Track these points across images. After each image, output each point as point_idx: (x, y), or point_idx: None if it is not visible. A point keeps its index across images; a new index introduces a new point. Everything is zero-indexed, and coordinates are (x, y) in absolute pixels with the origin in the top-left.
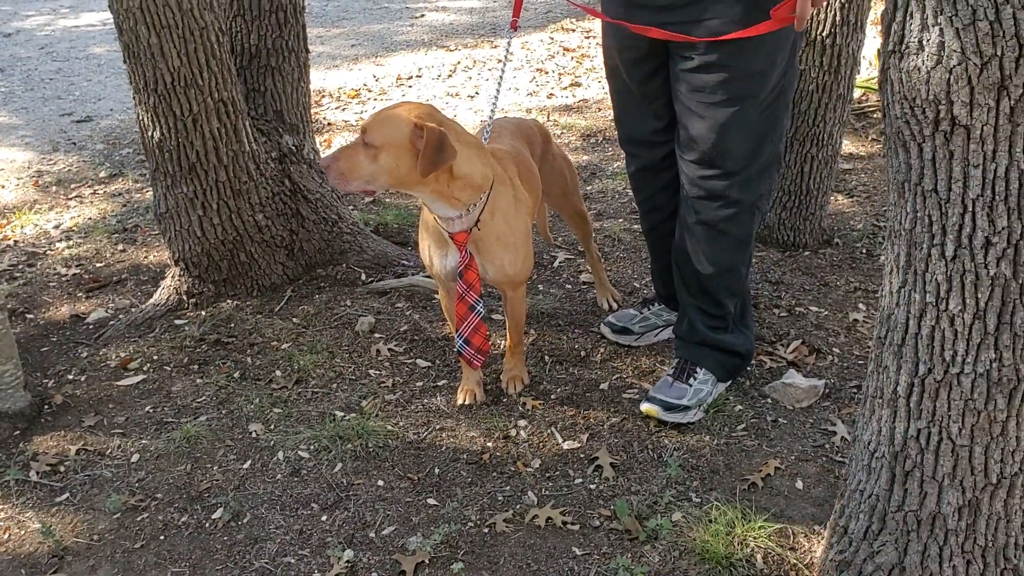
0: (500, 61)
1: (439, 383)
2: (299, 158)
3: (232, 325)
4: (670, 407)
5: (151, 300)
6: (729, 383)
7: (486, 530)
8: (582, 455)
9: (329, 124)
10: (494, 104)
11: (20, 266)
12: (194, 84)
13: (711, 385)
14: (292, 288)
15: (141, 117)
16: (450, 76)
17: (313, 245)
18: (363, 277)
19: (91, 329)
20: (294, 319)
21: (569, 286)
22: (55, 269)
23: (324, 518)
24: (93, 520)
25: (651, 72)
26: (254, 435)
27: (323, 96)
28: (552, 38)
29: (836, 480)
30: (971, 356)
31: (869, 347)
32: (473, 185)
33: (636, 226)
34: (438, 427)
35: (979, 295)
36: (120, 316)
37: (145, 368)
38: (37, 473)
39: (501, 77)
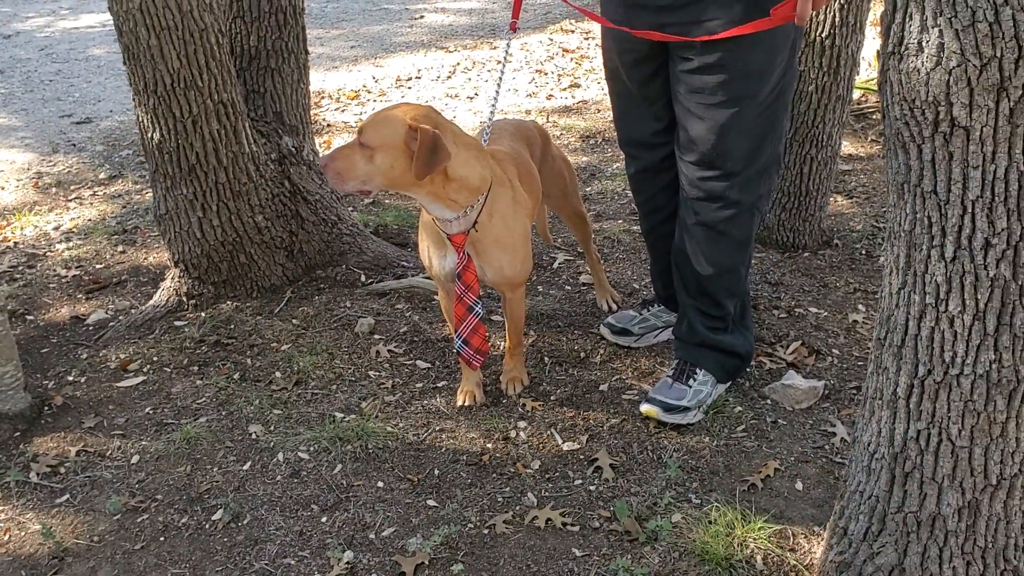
0: (499, 62)
1: (439, 384)
2: (299, 159)
3: (232, 326)
4: (670, 408)
5: (151, 301)
6: (729, 384)
7: (486, 531)
8: (582, 456)
9: (329, 125)
10: (493, 105)
11: (20, 267)
12: (194, 86)
13: (711, 386)
14: (292, 289)
15: (141, 119)
16: (449, 77)
17: (313, 246)
18: (363, 278)
19: (91, 330)
20: (294, 320)
21: (568, 287)
22: (55, 270)
23: (324, 519)
24: (93, 521)
25: (651, 74)
26: (254, 436)
27: (322, 97)
28: (551, 39)
29: (836, 481)
30: (971, 357)
31: (869, 348)
32: (469, 187)
33: (635, 227)
34: (438, 428)
35: (979, 296)
36: (120, 317)
37: (145, 369)
38: (37, 474)
39: (500, 78)
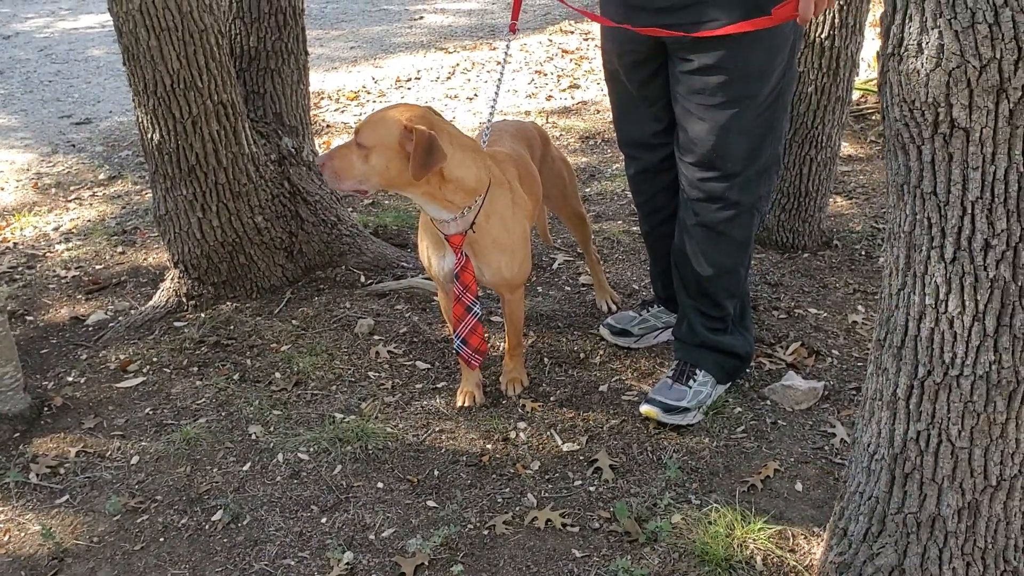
0: (499, 63)
1: (438, 385)
2: (298, 160)
3: (231, 327)
4: (669, 409)
5: (150, 302)
6: (728, 385)
7: (486, 532)
8: (581, 457)
9: (328, 126)
10: (492, 106)
11: (20, 268)
12: (193, 86)
13: (710, 387)
14: (291, 290)
15: (140, 119)
16: (449, 78)
17: (312, 247)
18: (362, 279)
19: (91, 331)
20: (293, 321)
21: (568, 288)
22: (55, 271)
23: (324, 520)
24: (93, 522)
25: (650, 75)
26: (254, 437)
27: (322, 98)
28: (551, 40)
29: (835, 482)
30: (970, 358)
31: (868, 349)
32: (466, 188)
33: (635, 228)
34: (437, 429)
35: (978, 297)
36: (119, 318)
37: (145, 370)
38: (37, 475)
39: (500, 79)
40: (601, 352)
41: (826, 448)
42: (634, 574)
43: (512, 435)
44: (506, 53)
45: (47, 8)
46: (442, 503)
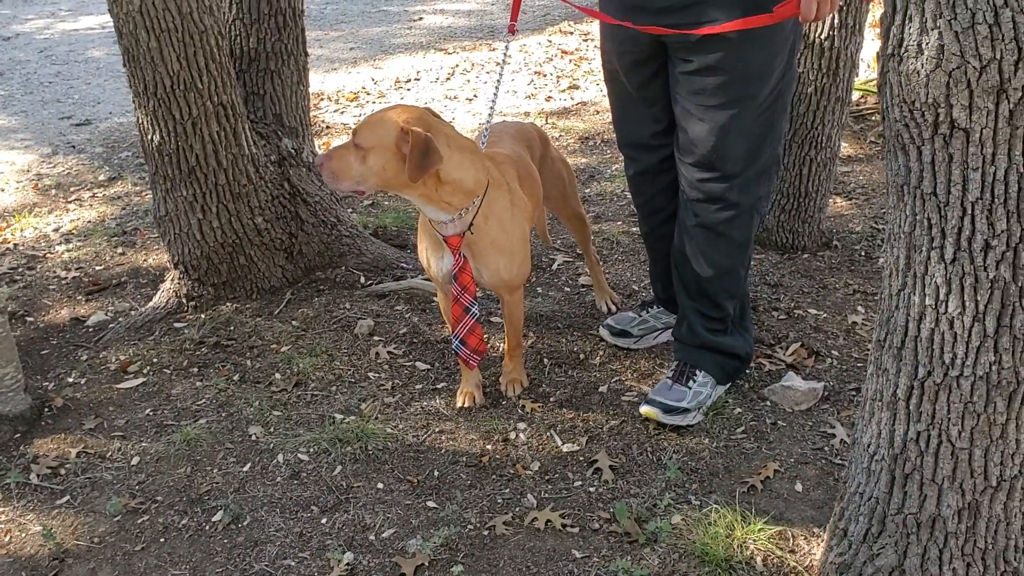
0: (498, 64)
1: (438, 386)
2: (298, 161)
3: (231, 328)
4: (669, 409)
5: (151, 303)
6: (728, 385)
7: (486, 532)
8: (581, 458)
9: (328, 127)
10: (491, 107)
11: (20, 269)
12: (193, 88)
13: (710, 387)
14: (291, 291)
15: (140, 120)
16: (448, 79)
17: (312, 248)
18: (362, 280)
19: (91, 332)
20: (293, 322)
21: (568, 289)
22: (55, 272)
23: (324, 521)
24: (94, 523)
25: (650, 75)
26: (254, 438)
27: (322, 99)
28: (550, 41)
29: (835, 483)
30: (971, 359)
31: (868, 349)
32: (464, 190)
33: (635, 229)
34: (437, 430)
35: (978, 298)
36: (120, 319)
37: (145, 371)
38: (37, 476)
39: (499, 80)
40: (601, 353)
41: (826, 449)
42: (634, 575)
43: (512, 436)
44: (505, 54)
45: (47, 9)
46: (442, 504)
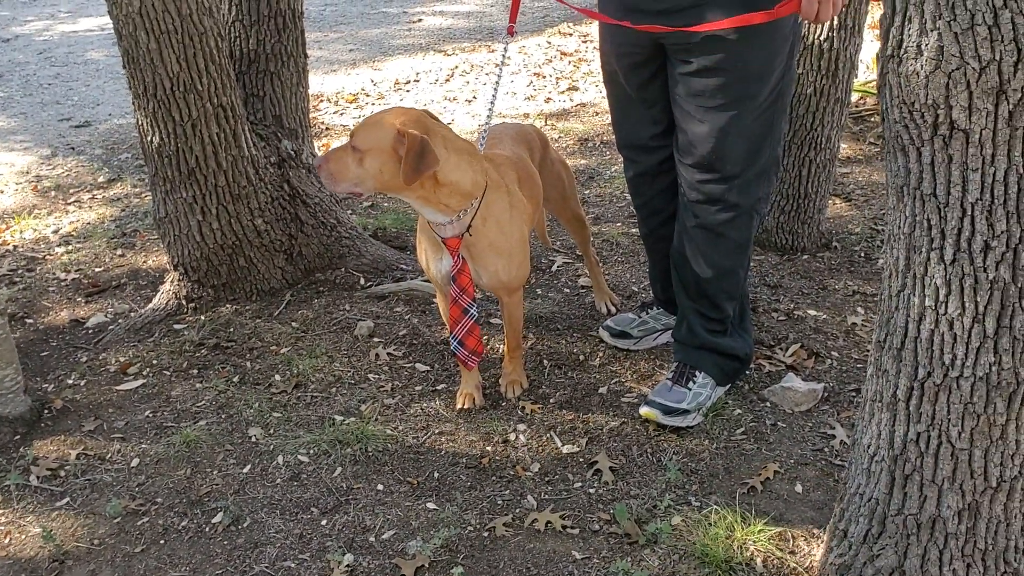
0: (497, 65)
1: (438, 387)
2: (298, 163)
3: (231, 329)
4: (669, 411)
5: (150, 305)
6: (728, 387)
7: (486, 534)
8: (581, 459)
9: (327, 128)
10: (490, 109)
11: (20, 271)
12: (193, 89)
13: (710, 389)
14: (291, 292)
15: (140, 122)
16: (447, 80)
17: (312, 249)
18: (362, 281)
19: (90, 334)
20: (293, 323)
21: (567, 290)
22: (54, 274)
23: (324, 522)
24: (93, 524)
25: (649, 77)
26: (254, 439)
27: (321, 100)
28: (549, 42)
29: (835, 484)
30: (970, 360)
31: (868, 350)
32: (461, 192)
33: (634, 230)
34: (437, 431)
35: (978, 299)
36: (119, 321)
37: (145, 372)
38: (37, 477)
39: (498, 82)
40: (600, 354)
41: (826, 450)
42: None
43: (512, 437)
44: (504, 55)
45: (46, 11)
46: (442, 505)
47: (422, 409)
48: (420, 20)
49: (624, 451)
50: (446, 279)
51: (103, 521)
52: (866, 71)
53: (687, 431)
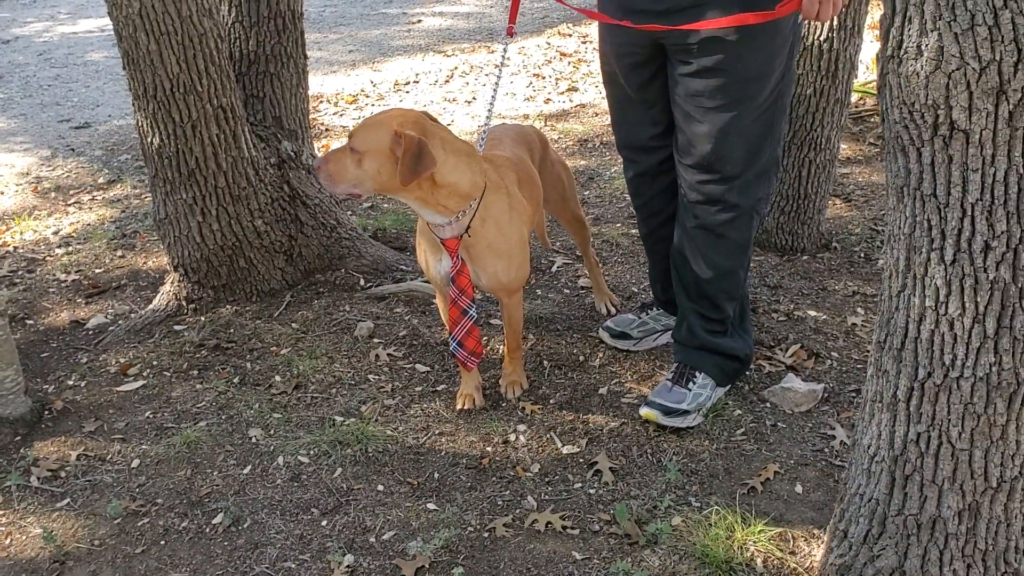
0: (497, 66)
1: (438, 388)
2: (298, 164)
3: (231, 330)
4: (669, 411)
5: (150, 306)
6: (728, 387)
7: (486, 534)
8: (581, 460)
9: (327, 129)
10: (490, 110)
11: (20, 272)
12: (193, 90)
13: (710, 389)
14: (291, 293)
15: (140, 123)
16: (447, 81)
17: (312, 250)
18: (362, 282)
19: (91, 335)
20: (293, 324)
21: (567, 291)
22: (54, 275)
23: (324, 523)
24: (94, 525)
25: (649, 77)
26: (254, 440)
27: (321, 101)
28: (549, 43)
29: (835, 484)
30: (971, 360)
31: (868, 351)
32: (459, 193)
33: (634, 231)
34: (437, 432)
35: (978, 299)
36: (120, 322)
37: (145, 373)
38: (38, 478)
39: (498, 83)
40: (600, 355)
41: (826, 450)
42: None
43: (512, 438)
44: (504, 56)
45: (46, 12)
46: (442, 506)
47: (422, 410)
48: (420, 21)
49: (624, 452)
50: (446, 280)
51: (104, 522)
52: (866, 72)
53: (687, 432)
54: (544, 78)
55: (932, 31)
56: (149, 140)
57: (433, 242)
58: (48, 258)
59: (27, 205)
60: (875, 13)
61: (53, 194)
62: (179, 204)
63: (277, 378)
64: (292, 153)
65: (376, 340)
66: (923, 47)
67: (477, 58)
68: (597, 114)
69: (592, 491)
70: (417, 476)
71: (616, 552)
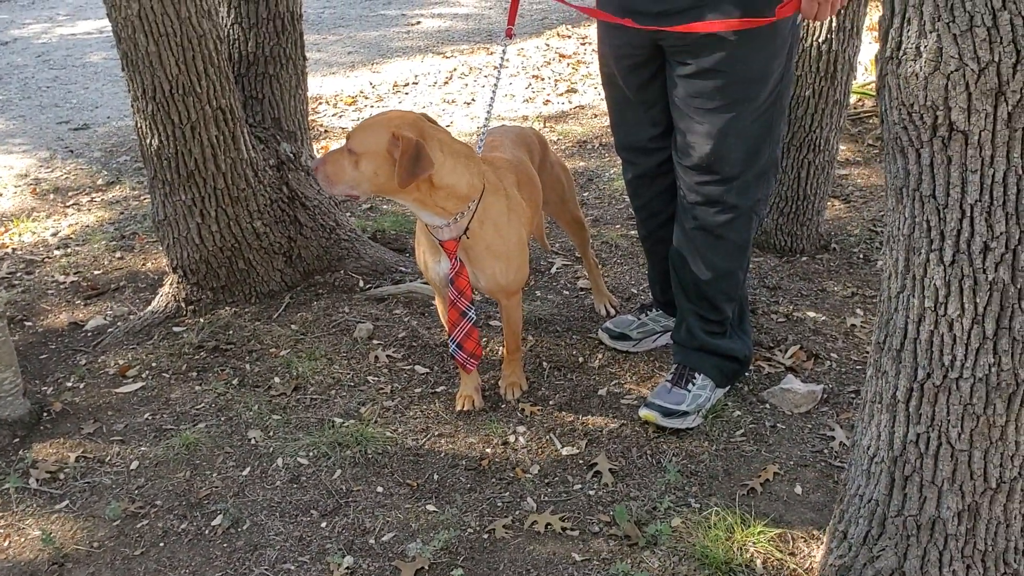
0: (496, 68)
1: (437, 389)
2: (297, 165)
3: (230, 332)
4: (669, 412)
5: (149, 307)
6: (727, 388)
7: (485, 536)
8: (581, 461)
9: (326, 131)
10: (489, 111)
11: (18, 274)
12: (192, 92)
13: (709, 390)
14: (290, 295)
15: (139, 125)
16: (446, 83)
17: (311, 252)
18: (361, 284)
19: (89, 336)
20: (292, 326)
21: (567, 292)
22: (53, 277)
23: (323, 524)
24: (93, 527)
25: (648, 78)
26: (253, 442)
27: (320, 103)
28: (548, 44)
29: (835, 485)
30: (970, 361)
31: (867, 352)
32: (457, 195)
33: (633, 232)
34: (437, 433)
35: (977, 300)
36: (118, 323)
37: (144, 375)
38: (37, 480)
39: (497, 84)
40: (600, 356)
41: (825, 451)
42: None
43: (511, 439)
44: (503, 58)
45: (45, 14)
46: (442, 507)
47: (421, 411)
48: (419, 22)
49: (624, 453)
50: (445, 281)
51: (102, 524)
52: (865, 73)
53: (687, 433)
54: (543, 79)
55: (931, 32)
56: (148, 141)
57: (432, 244)
58: (47, 260)
59: (26, 207)
60: (874, 15)
61: (52, 196)
62: (178, 206)
63: (276, 379)
64: (291, 155)
65: (375, 341)
66: (922, 48)
67: (476, 59)
68: (596, 115)
69: (592, 492)
70: (416, 477)
71: (616, 553)
